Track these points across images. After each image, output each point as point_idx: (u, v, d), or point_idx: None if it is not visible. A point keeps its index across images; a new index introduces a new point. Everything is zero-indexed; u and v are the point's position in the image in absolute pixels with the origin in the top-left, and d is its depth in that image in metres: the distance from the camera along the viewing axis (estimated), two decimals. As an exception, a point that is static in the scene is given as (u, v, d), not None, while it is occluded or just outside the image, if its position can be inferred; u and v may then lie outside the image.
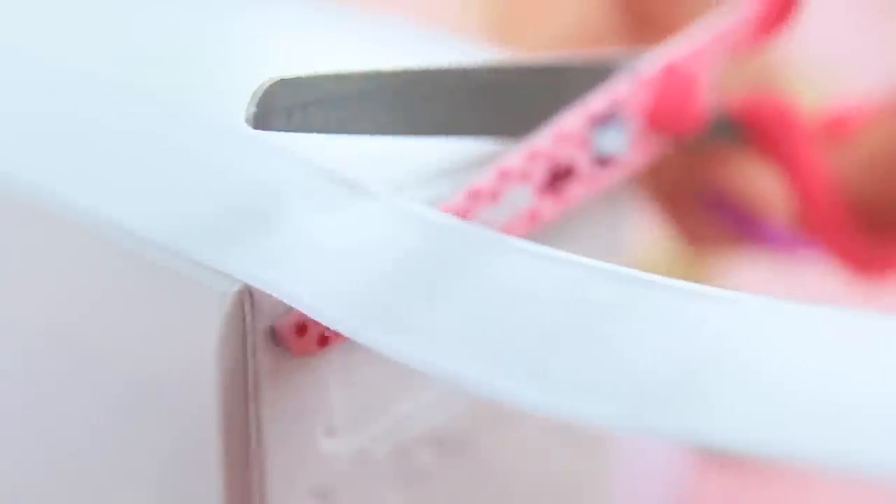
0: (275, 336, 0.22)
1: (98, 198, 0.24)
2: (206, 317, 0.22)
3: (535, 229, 0.25)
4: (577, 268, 0.21)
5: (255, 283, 0.21)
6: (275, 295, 0.21)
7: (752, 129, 0.29)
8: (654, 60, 0.26)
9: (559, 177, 0.25)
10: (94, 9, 0.31)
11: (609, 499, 0.31)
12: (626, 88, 0.26)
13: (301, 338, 0.22)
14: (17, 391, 0.26)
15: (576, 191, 0.25)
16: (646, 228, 0.35)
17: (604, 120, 0.25)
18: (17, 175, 0.25)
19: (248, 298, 0.22)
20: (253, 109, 0.21)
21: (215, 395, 0.22)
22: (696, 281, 0.20)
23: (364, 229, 0.22)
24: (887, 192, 0.30)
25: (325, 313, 0.21)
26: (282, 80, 0.22)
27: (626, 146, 0.26)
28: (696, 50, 0.27)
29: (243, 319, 0.22)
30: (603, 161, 0.25)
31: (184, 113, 0.26)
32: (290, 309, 0.22)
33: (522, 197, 0.24)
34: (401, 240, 0.22)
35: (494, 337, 0.19)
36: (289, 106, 0.22)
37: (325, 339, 0.22)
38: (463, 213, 0.24)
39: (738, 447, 0.17)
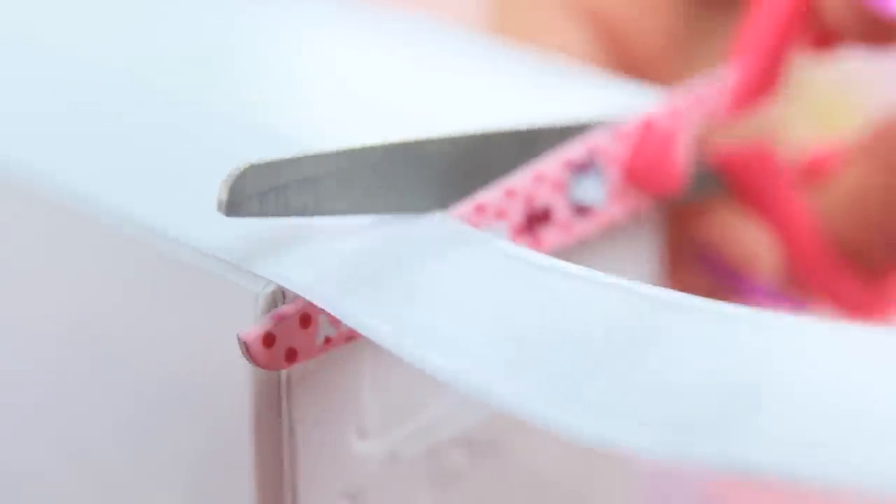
0: (244, 347, 0.21)
1: (134, 199, 0.24)
2: (240, 317, 0.22)
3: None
4: (613, 289, 0.20)
5: (290, 287, 0.21)
6: (305, 297, 0.21)
7: (735, 181, 0.29)
8: (633, 115, 0.26)
9: (536, 219, 0.25)
10: (119, 9, 0.31)
11: (636, 500, 0.31)
12: (605, 139, 0.26)
13: (268, 349, 0.21)
14: (49, 390, 0.26)
15: (552, 236, 0.25)
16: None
17: (582, 167, 0.25)
18: (53, 174, 0.25)
19: (281, 299, 0.22)
20: (224, 196, 0.21)
21: (248, 396, 0.22)
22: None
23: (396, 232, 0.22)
24: (867, 231, 0.30)
25: (346, 312, 0.21)
26: (252, 165, 0.21)
27: (605, 197, 0.26)
28: (675, 109, 0.27)
29: (276, 321, 0.22)
30: (581, 209, 0.25)
31: (221, 114, 0.26)
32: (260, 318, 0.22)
33: (499, 235, 0.24)
34: (441, 252, 0.22)
35: (530, 359, 0.19)
36: (262, 190, 0.21)
37: (293, 353, 0.22)
38: None
39: (782, 474, 0.17)
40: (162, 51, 0.29)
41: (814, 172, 0.30)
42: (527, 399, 0.19)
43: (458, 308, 0.20)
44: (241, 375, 0.22)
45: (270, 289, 0.22)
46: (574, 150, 0.25)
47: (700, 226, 0.31)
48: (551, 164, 0.25)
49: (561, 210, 0.25)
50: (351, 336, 0.22)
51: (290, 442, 0.23)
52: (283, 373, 0.22)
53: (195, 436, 0.24)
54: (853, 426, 0.17)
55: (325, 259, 0.22)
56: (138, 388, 0.24)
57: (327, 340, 0.22)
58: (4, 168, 0.25)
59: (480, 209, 0.24)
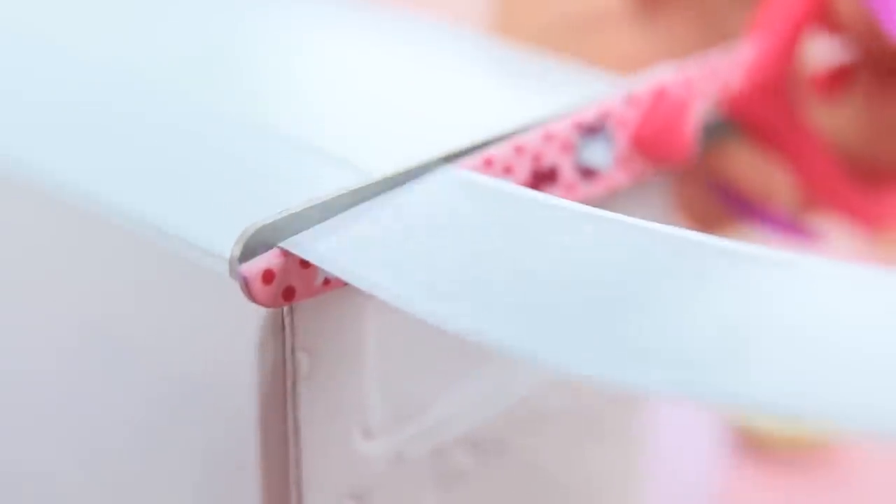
0: (243, 282, 0.21)
1: (142, 200, 0.24)
2: (246, 318, 0.22)
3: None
4: (626, 228, 0.20)
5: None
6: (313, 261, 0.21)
7: (748, 121, 0.29)
8: (647, 80, 0.26)
9: (542, 178, 0.25)
10: (127, 9, 0.31)
11: (644, 498, 0.31)
12: (617, 103, 0.26)
13: (267, 286, 0.21)
14: (59, 390, 0.26)
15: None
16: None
17: (591, 130, 0.25)
18: (62, 174, 0.25)
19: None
20: (237, 256, 0.21)
21: (254, 396, 0.22)
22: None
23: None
24: (876, 144, 0.30)
25: (349, 271, 0.21)
26: (263, 225, 0.21)
27: (611, 162, 0.26)
28: (689, 78, 0.27)
29: (283, 321, 0.22)
30: (586, 172, 0.25)
31: (227, 114, 0.26)
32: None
33: None
34: (449, 200, 0.22)
35: (544, 302, 0.19)
36: (273, 246, 0.21)
37: (291, 291, 0.21)
38: None
39: (785, 412, 0.17)
40: (169, 51, 0.29)
41: (825, 90, 0.31)
42: (539, 344, 0.18)
43: (466, 255, 0.20)
44: (247, 375, 0.22)
45: None
46: (585, 112, 0.25)
47: (719, 164, 0.31)
48: (562, 124, 0.25)
49: (567, 171, 0.25)
50: None
51: (296, 442, 0.23)
52: (289, 372, 0.22)
53: (202, 436, 0.24)
54: (864, 369, 0.17)
55: (329, 223, 0.22)
56: (145, 388, 0.24)
57: (326, 282, 0.22)
58: (16, 169, 0.25)
59: (488, 162, 0.24)
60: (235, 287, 0.22)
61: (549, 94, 0.27)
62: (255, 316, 0.22)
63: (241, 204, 0.23)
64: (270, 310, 0.22)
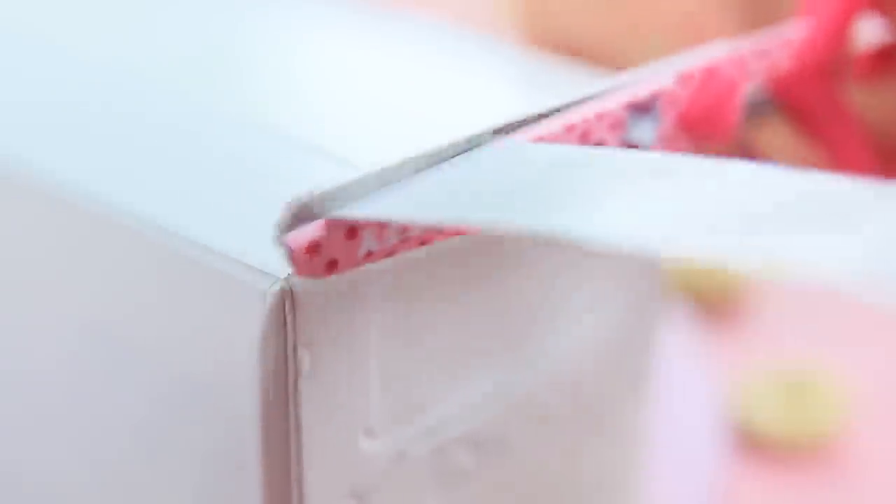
0: (288, 252, 0.21)
1: (144, 198, 0.24)
2: (247, 316, 0.22)
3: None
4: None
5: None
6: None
7: (788, 104, 0.29)
8: (698, 58, 0.26)
9: None
10: (128, 8, 0.31)
11: (644, 498, 0.31)
12: (669, 83, 0.26)
13: (312, 256, 0.21)
14: (58, 391, 0.26)
15: None
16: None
17: (642, 109, 0.25)
18: (62, 173, 0.25)
19: (289, 297, 0.22)
20: (284, 226, 0.21)
21: (255, 395, 0.22)
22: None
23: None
24: None
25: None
26: (312, 196, 0.21)
27: (654, 140, 0.26)
28: (740, 58, 0.27)
29: (284, 318, 0.22)
30: (630, 150, 0.25)
31: (229, 114, 0.26)
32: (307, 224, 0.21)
33: None
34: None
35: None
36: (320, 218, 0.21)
37: (335, 263, 0.21)
38: None
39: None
40: (169, 51, 0.29)
41: (865, 72, 0.31)
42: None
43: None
44: (248, 374, 0.22)
45: (278, 287, 0.22)
46: (637, 91, 0.25)
47: (753, 140, 0.31)
48: (613, 101, 0.25)
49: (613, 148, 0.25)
50: (392, 251, 0.22)
51: (297, 440, 0.23)
52: (291, 371, 0.22)
53: (203, 434, 0.24)
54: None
55: (381, 192, 0.22)
56: (145, 387, 0.24)
57: (369, 254, 0.22)
58: (16, 169, 0.25)
59: (538, 140, 0.23)
60: (236, 286, 0.22)
61: (550, 95, 0.27)
62: (256, 313, 0.22)
63: (241, 204, 0.23)
64: (272, 307, 0.22)
